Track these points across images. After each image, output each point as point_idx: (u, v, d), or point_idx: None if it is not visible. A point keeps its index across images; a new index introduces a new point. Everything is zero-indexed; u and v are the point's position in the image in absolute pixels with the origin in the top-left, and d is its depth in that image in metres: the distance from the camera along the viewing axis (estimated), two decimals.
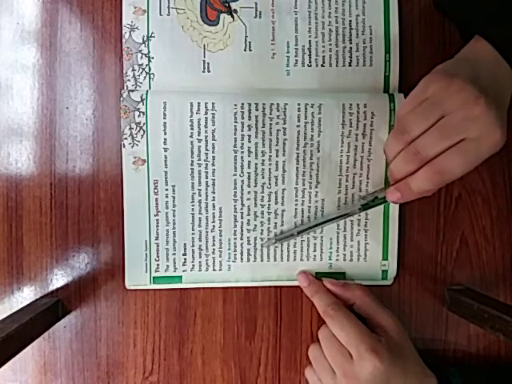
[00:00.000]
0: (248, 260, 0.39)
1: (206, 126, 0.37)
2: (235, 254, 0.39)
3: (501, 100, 0.29)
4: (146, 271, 0.38)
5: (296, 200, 0.38)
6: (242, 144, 0.37)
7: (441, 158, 0.29)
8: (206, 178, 0.38)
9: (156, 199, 0.38)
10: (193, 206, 0.38)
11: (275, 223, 0.38)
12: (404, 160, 0.31)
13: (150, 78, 0.37)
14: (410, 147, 0.30)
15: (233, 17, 0.38)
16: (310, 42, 0.38)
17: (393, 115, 0.37)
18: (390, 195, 0.34)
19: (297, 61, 0.38)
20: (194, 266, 0.38)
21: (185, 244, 0.38)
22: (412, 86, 0.32)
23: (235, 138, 0.37)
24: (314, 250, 0.39)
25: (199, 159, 0.37)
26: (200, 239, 0.38)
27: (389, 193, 0.34)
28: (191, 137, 0.37)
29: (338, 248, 0.39)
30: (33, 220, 0.38)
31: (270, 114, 0.37)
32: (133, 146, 0.37)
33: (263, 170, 0.38)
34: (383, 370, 0.31)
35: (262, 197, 0.38)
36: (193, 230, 0.38)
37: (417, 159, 0.30)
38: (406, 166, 0.31)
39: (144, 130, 0.37)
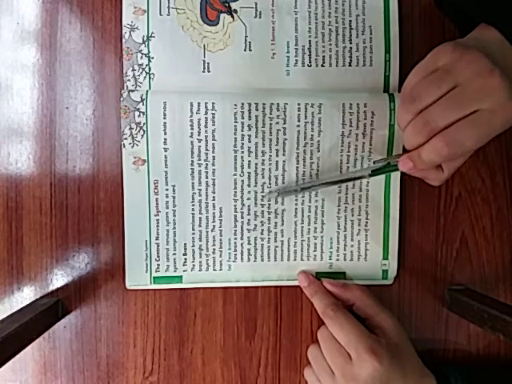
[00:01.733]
0: (248, 260, 0.39)
1: (206, 126, 0.37)
2: (235, 254, 0.39)
3: (510, 76, 0.28)
4: (147, 271, 0.38)
5: (296, 200, 0.38)
6: (242, 144, 0.37)
7: (452, 129, 0.28)
8: (206, 177, 0.38)
9: (156, 199, 0.38)
10: (193, 205, 0.38)
11: (275, 223, 0.38)
12: (414, 131, 0.29)
13: (149, 78, 0.37)
14: (419, 117, 0.29)
15: (233, 17, 0.38)
16: (309, 41, 0.38)
17: (393, 115, 0.37)
18: (402, 164, 0.32)
19: (297, 61, 0.38)
20: (194, 265, 0.38)
21: (185, 244, 0.38)
22: None
23: (235, 138, 0.37)
24: (315, 250, 0.39)
25: (199, 159, 0.37)
26: (200, 239, 0.38)
27: (401, 161, 0.32)
28: (191, 137, 0.37)
29: (338, 248, 0.39)
30: (33, 220, 0.38)
31: (270, 113, 0.37)
32: (133, 146, 0.37)
33: (263, 169, 0.38)
34: (382, 371, 0.31)
35: (262, 196, 0.38)
36: (193, 229, 0.38)
37: (426, 130, 0.29)
38: (416, 137, 0.30)
39: (144, 130, 0.37)
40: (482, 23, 0.32)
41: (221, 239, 0.38)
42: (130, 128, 0.37)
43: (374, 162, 0.36)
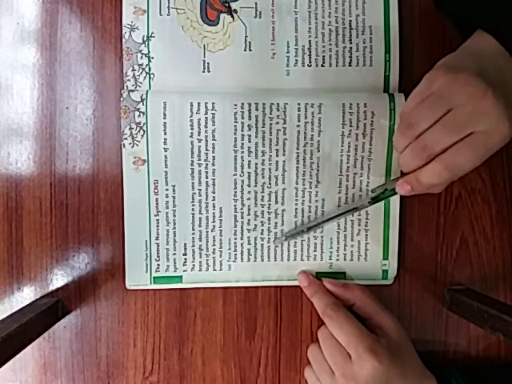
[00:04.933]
0: (248, 260, 0.39)
1: (206, 126, 0.37)
2: (235, 254, 0.39)
3: (506, 91, 0.28)
4: (147, 271, 0.38)
5: (296, 200, 0.38)
6: (242, 144, 0.37)
7: (449, 153, 0.29)
8: (206, 177, 0.38)
9: (156, 199, 0.38)
10: (193, 205, 0.38)
11: (275, 223, 0.38)
12: (411, 155, 0.30)
13: (149, 78, 0.37)
14: (416, 142, 0.30)
15: (233, 17, 0.38)
16: (309, 41, 0.38)
17: (393, 115, 0.37)
18: (399, 188, 0.33)
19: (297, 61, 0.38)
20: (194, 265, 0.38)
21: (185, 244, 0.38)
22: (412, 85, 0.32)
23: (235, 138, 0.37)
24: (315, 250, 0.39)
25: (199, 159, 0.37)
26: (200, 239, 0.38)
27: (399, 185, 0.33)
28: (191, 137, 0.37)
29: (338, 248, 0.39)
30: (33, 220, 0.38)
31: (270, 113, 0.37)
32: (133, 146, 0.37)
33: (263, 169, 0.38)
34: (382, 370, 0.31)
35: (262, 196, 0.38)
36: (193, 229, 0.38)
37: (424, 155, 0.30)
38: (413, 161, 0.31)
39: (144, 130, 0.37)
40: (479, 30, 0.32)
41: (221, 239, 0.38)
42: (130, 128, 0.37)
43: (372, 191, 0.37)
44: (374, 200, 0.37)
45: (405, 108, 0.32)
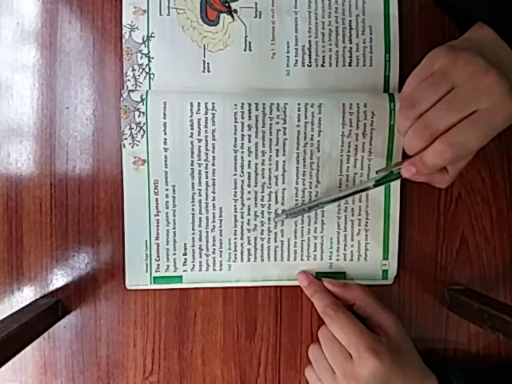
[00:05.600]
0: (248, 260, 0.39)
1: (206, 126, 0.37)
2: (235, 254, 0.39)
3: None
4: (147, 271, 0.38)
5: (296, 200, 0.38)
6: (242, 144, 0.37)
7: (453, 131, 0.28)
8: (206, 177, 0.38)
9: (156, 199, 0.38)
10: (193, 205, 0.38)
11: (275, 223, 0.38)
12: (414, 136, 0.29)
13: (149, 78, 0.37)
14: (418, 121, 0.29)
15: (233, 17, 0.38)
16: (309, 42, 0.38)
17: (393, 115, 0.37)
18: (405, 171, 0.32)
19: (297, 61, 0.38)
20: (194, 265, 0.38)
21: (185, 244, 0.38)
22: None
23: (235, 138, 0.37)
24: (315, 250, 0.39)
25: (199, 159, 0.37)
26: (200, 239, 0.38)
27: (404, 168, 0.32)
28: (191, 137, 0.37)
29: (338, 248, 0.39)
30: (33, 220, 0.38)
31: (270, 113, 0.37)
32: (133, 146, 0.37)
33: (263, 169, 0.38)
34: (383, 370, 0.31)
35: (262, 197, 0.38)
36: (193, 229, 0.38)
37: (427, 133, 0.29)
38: (416, 142, 0.30)
39: (144, 130, 0.37)
40: (478, 22, 0.32)
41: (221, 239, 0.38)
42: (130, 128, 0.37)
43: (377, 172, 0.36)
44: (378, 182, 0.35)
45: (405, 89, 0.31)
